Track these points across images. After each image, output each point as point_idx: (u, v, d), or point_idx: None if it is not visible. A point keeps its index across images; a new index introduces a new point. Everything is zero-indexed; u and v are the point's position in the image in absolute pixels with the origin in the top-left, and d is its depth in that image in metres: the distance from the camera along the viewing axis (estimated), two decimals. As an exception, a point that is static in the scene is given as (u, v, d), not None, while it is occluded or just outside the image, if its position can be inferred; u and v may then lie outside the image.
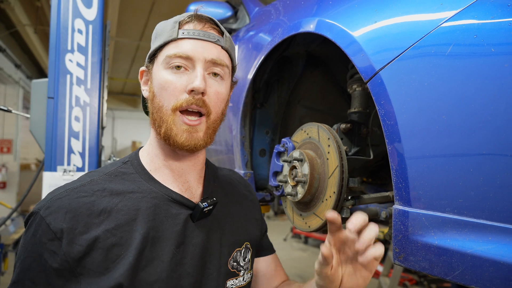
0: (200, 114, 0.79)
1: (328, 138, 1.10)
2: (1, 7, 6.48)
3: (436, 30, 0.76)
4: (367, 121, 1.29)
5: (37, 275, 0.69)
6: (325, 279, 0.73)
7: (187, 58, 0.77)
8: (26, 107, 10.44)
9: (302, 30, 1.21)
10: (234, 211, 0.95)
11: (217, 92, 0.80)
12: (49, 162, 2.00)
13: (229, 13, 2.12)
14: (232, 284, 0.86)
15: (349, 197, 1.14)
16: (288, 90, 1.74)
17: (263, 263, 1.04)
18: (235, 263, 0.87)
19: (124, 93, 15.13)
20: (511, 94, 0.64)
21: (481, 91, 0.68)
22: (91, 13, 2.13)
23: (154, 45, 0.82)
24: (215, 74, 0.80)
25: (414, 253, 0.77)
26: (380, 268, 5.22)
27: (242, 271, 0.89)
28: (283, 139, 1.31)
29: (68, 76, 2.06)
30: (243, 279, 0.89)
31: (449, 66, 0.73)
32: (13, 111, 2.27)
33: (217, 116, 0.82)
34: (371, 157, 1.27)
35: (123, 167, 0.84)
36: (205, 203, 0.81)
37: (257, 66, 1.51)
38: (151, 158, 0.84)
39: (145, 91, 0.86)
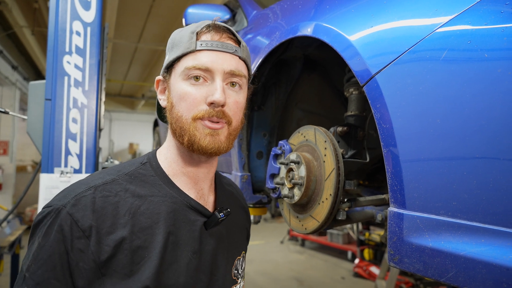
0: (220, 122, 0.80)
1: (325, 141, 1.11)
2: (-2, 8, 6.46)
3: (431, 35, 0.77)
4: (364, 124, 1.30)
5: (63, 274, 0.68)
6: None
7: (206, 70, 0.77)
8: (23, 109, 10.40)
9: (299, 33, 1.22)
10: (236, 221, 0.98)
11: (236, 102, 0.81)
12: (46, 163, 2.00)
13: (227, 16, 2.13)
14: None
15: (346, 200, 1.14)
16: (285, 93, 1.75)
17: None
18: (235, 271, 0.90)
19: (121, 95, 15.10)
20: (505, 99, 0.65)
21: (475, 96, 0.69)
22: (90, 15, 2.13)
23: (171, 56, 0.82)
24: (233, 84, 0.81)
25: (408, 255, 0.78)
26: (376, 271, 5.24)
27: (240, 279, 0.92)
28: (280, 142, 1.32)
29: (66, 78, 2.06)
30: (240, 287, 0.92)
31: (444, 70, 0.74)
32: (10, 112, 2.27)
33: (237, 124, 0.83)
34: (368, 160, 1.28)
35: (142, 168, 0.84)
36: (222, 213, 0.84)
37: (254, 69, 1.52)
38: (169, 163, 0.85)
39: (162, 101, 0.87)
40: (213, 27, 0.81)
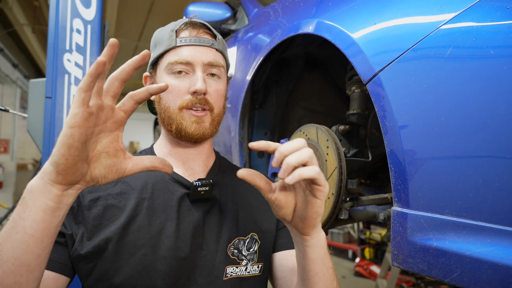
0: (203, 110, 0.88)
1: (327, 140, 1.10)
2: (-1, 6, 6.45)
3: (436, 32, 0.76)
4: (366, 123, 1.29)
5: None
6: (272, 205, 0.69)
7: (187, 64, 0.86)
8: (24, 107, 10.40)
9: (301, 31, 1.21)
10: (245, 202, 0.96)
11: (216, 90, 0.89)
12: (47, 162, 1.99)
13: (228, 14, 2.12)
14: (232, 272, 0.86)
15: (348, 199, 1.14)
16: (286, 92, 1.74)
17: (283, 257, 0.98)
18: (235, 251, 0.88)
19: (122, 93, 15.05)
20: (511, 96, 0.64)
21: (480, 93, 0.68)
22: (90, 13, 2.12)
23: (154, 53, 0.91)
24: (213, 75, 0.90)
25: (412, 255, 0.77)
26: (377, 270, 5.23)
27: (245, 261, 0.89)
28: (281, 140, 1.31)
29: (66, 76, 2.05)
30: (245, 269, 0.89)
31: (449, 68, 0.73)
32: (10, 110, 2.26)
33: (220, 110, 0.92)
34: (370, 158, 1.27)
35: (139, 153, 0.97)
36: (199, 182, 0.86)
37: (256, 67, 1.51)
38: (161, 148, 0.95)
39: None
40: (190, 24, 0.91)
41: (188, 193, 0.87)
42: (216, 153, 1.03)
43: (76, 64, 2.07)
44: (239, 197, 0.96)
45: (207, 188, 0.87)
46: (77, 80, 2.06)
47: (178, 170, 0.91)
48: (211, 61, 0.88)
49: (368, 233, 6.14)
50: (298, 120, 1.78)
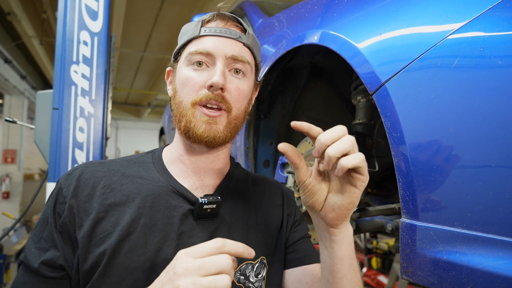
0: (219, 109, 0.77)
1: (333, 150, 1.09)
2: (8, 19, 6.57)
3: (443, 42, 0.76)
4: (372, 133, 1.28)
5: (48, 236, 0.72)
6: (304, 191, 0.66)
7: (208, 55, 0.76)
8: (31, 118, 10.51)
9: (306, 41, 1.21)
10: (257, 220, 0.85)
11: (238, 88, 0.78)
12: (53, 172, 2.00)
13: (233, 25, 2.13)
14: None
15: (355, 209, 1.12)
16: (292, 101, 1.74)
17: (302, 272, 0.87)
18: (242, 277, 0.78)
19: (127, 103, 15.23)
20: (520, 107, 0.64)
21: (489, 104, 0.68)
22: (97, 25, 2.15)
23: (178, 45, 0.84)
24: (237, 71, 0.79)
25: (422, 267, 0.76)
26: (385, 280, 5.16)
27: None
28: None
29: (73, 87, 2.07)
30: None
31: (456, 78, 0.72)
32: (18, 122, 2.28)
33: (239, 113, 0.80)
34: (376, 168, 1.26)
35: (144, 156, 0.86)
36: (205, 199, 0.75)
37: (261, 76, 1.52)
38: (171, 152, 0.85)
39: (169, 91, 0.87)
40: (219, 16, 0.81)
41: (193, 209, 0.76)
42: (231, 160, 0.92)
43: (83, 76, 2.09)
44: (251, 214, 0.85)
45: (214, 206, 0.76)
46: (83, 91, 2.08)
47: (186, 181, 0.80)
48: (235, 54, 0.77)
49: (375, 242, 6.06)
50: (303, 130, 1.77)
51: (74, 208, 0.71)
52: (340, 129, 0.60)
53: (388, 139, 0.83)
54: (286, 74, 1.69)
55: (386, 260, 5.88)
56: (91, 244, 0.69)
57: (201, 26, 0.79)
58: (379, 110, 0.86)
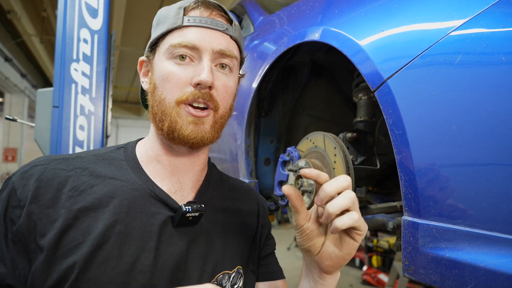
0: (205, 109, 0.72)
1: (335, 148, 1.09)
2: (8, 17, 6.57)
3: (445, 39, 0.75)
4: (373, 130, 1.28)
5: (6, 242, 0.62)
6: (301, 234, 0.65)
7: (193, 48, 0.69)
8: (31, 116, 10.51)
9: (307, 39, 1.21)
10: (234, 227, 0.83)
11: (225, 85, 0.73)
12: (53, 171, 2.00)
13: (233, 23, 2.13)
14: None
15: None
16: (292, 99, 1.73)
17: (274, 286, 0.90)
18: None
19: (128, 101, 15.23)
20: (523, 104, 0.63)
21: (492, 100, 0.67)
22: (97, 23, 2.14)
23: (155, 33, 0.75)
24: (223, 66, 0.73)
25: (424, 266, 0.75)
26: (385, 279, 5.16)
27: None
28: (288, 148, 1.30)
29: (73, 85, 2.06)
30: None
31: (459, 75, 0.72)
32: (18, 120, 2.28)
33: (225, 111, 0.75)
34: (378, 166, 1.25)
35: (115, 152, 0.77)
36: (189, 207, 0.69)
37: (262, 75, 1.51)
38: (146, 150, 0.77)
39: (144, 83, 0.80)
40: (202, 3, 0.73)
41: (173, 216, 0.71)
42: (208, 160, 0.86)
43: (83, 74, 2.09)
44: (229, 221, 0.82)
45: (196, 214, 0.71)
46: (84, 89, 2.08)
47: (163, 183, 0.74)
48: (222, 49, 0.71)
49: (375, 240, 6.07)
50: (304, 128, 1.77)
51: (35, 215, 0.61)
52: (345, 180, 0.61)
53: (390, 136, 0.83)
54: (287, 72, 1.68)
55: (387, 258, 5.90)
56: (57, 256, 0.60)
57: (184, 15, 0.71)
58: (381, 107, 0.86)
